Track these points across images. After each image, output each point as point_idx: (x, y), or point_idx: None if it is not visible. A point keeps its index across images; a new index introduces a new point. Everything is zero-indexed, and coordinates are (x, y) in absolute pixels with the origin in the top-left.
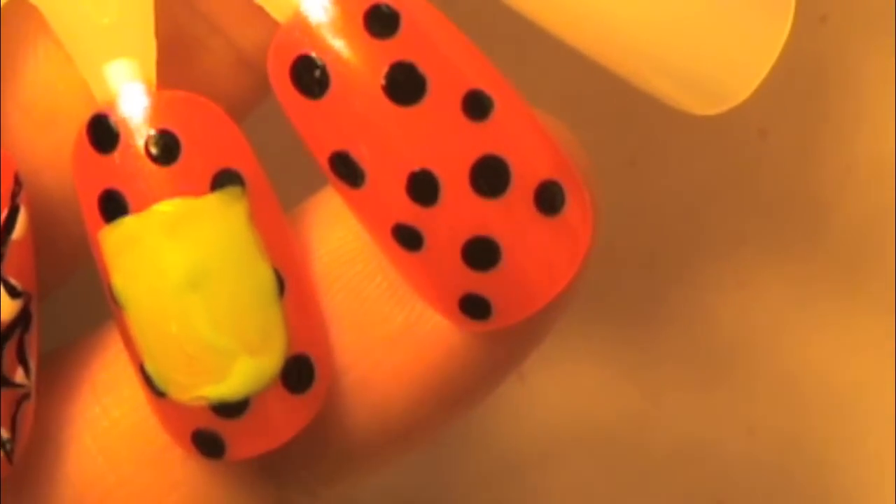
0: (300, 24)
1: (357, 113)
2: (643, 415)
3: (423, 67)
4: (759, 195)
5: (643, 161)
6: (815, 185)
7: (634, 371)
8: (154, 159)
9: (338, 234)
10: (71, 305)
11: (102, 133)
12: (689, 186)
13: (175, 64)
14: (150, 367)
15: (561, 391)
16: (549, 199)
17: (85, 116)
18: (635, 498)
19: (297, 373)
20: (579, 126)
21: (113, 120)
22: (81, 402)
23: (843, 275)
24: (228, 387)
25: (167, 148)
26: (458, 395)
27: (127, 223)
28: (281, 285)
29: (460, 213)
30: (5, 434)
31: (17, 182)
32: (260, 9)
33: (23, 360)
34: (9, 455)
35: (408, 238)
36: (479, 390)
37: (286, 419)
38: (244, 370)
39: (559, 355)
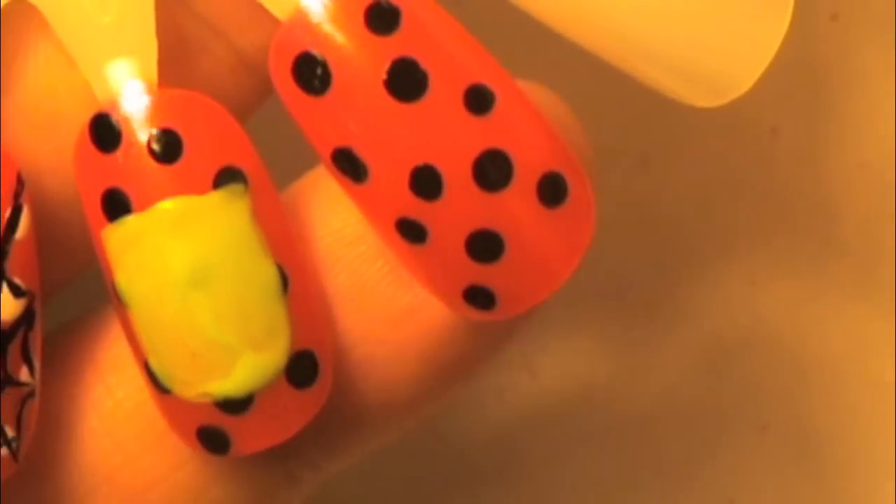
0: (301, 21)
1: (359, 109)
2: (653, 412)
3: (425, 63)
4: (771, 193)
5: (655, 159)
6: (827, 183)
7: (644, 368)
8: (156, 158)
9: (340, 215)
10: (75, 304)
11: (104, 132)
12: (701, 184)
13: (176, 67)
14: (154, 365)
15: (571, 388)
16: (551, 190)
17: (86, 119)
18: (645, 495)
19: (302, 368)
20: (590, 125)
21: (115, 119)
22: (85, 382)
23: (854, 272)
24: (233, 383)
25: (169, 146)
26: (458, 369)
27: (130, 222)
28: (284, 281)
29: (464, 207)
30: (11, 433)
31: (20, 181)
32: (260, 10)
33: (27, 359)
34: (14, 454)
35: (411, 231)
36: (479, 363)
37: (291, 414)
38: (248, 366)
39: (569, 352)
